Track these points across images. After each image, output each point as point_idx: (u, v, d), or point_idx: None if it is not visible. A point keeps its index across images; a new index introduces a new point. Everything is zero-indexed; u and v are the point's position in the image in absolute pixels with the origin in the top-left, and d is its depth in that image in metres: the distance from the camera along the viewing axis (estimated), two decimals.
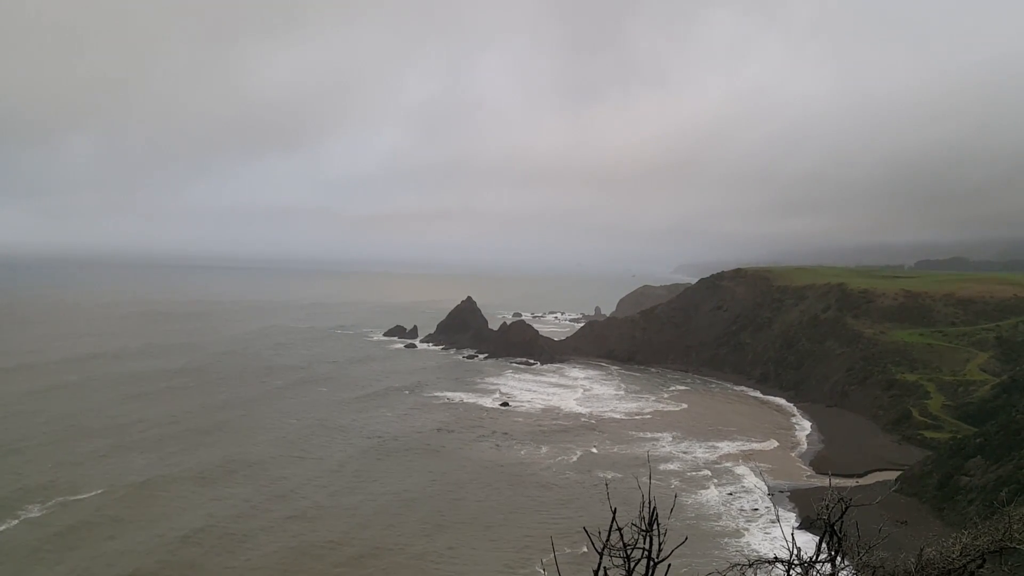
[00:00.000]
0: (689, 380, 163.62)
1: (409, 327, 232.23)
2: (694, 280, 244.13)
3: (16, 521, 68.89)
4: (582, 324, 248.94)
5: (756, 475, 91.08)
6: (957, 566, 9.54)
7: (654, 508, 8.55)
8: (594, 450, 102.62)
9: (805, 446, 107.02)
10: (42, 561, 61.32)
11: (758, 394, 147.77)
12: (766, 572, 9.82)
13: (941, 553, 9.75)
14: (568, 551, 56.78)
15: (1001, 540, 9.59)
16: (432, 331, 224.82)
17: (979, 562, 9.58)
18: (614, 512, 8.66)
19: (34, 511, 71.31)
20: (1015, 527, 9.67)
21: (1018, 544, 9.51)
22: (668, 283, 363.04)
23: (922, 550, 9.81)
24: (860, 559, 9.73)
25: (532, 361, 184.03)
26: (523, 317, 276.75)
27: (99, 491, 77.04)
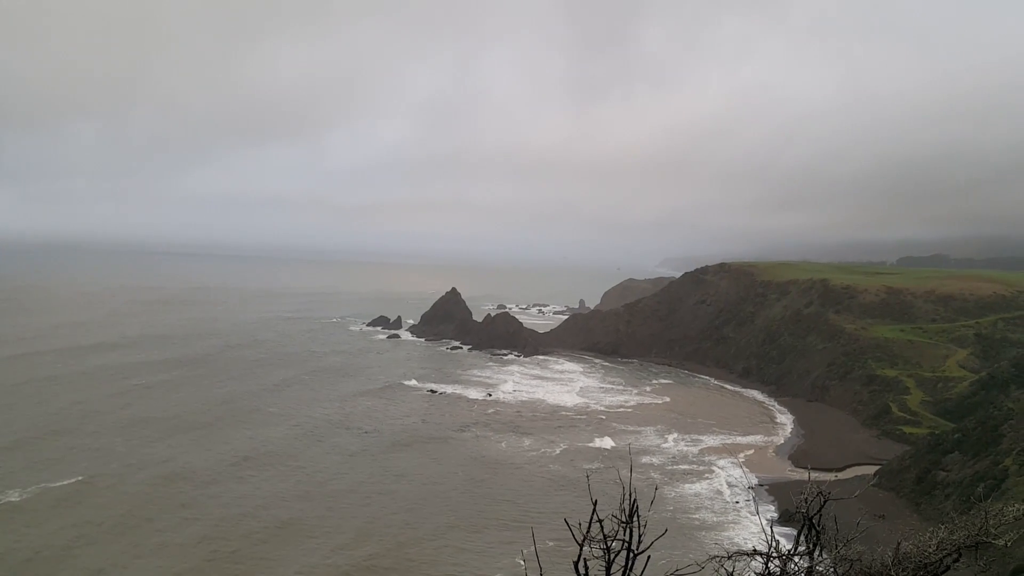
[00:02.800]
0: (672, 373, 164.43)
1: (393, 317, 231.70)
2: (678, 274, 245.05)
3: (8, 522, 66.56)
4: (566, 317, 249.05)
5: (737, 468, 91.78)
6: (933, 560, 9.61)
7: (634, 500, 8.55)
8: (577, 443, 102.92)
9: (785, 440, 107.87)
10: None
11: (740, 388, 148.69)
12: (745, 564, 9.87)
13: (918, 547, 9.82)
14: (552, 544, 56.90)
15: (977, 535, 9.68)
16: (416, 322, 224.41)
17: (955, 556, 9.66)
18: (594, 503, 8.65)
19: (23, 505, 69.90)
20: (991, 522, 9.75)
21: (994, 539, 9.59)
22: (653, 276, 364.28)
23: (899, 544, 9.88)
24: (838, 552, 9.79)
25: (516, 353, 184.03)
26: (508, 309, 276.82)
27: (93, 489, 75.16)
